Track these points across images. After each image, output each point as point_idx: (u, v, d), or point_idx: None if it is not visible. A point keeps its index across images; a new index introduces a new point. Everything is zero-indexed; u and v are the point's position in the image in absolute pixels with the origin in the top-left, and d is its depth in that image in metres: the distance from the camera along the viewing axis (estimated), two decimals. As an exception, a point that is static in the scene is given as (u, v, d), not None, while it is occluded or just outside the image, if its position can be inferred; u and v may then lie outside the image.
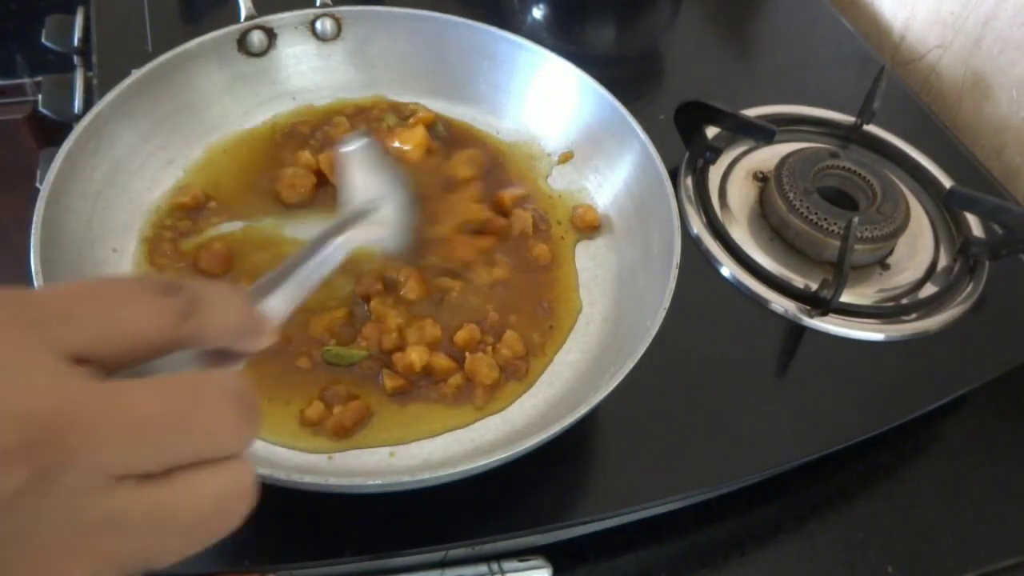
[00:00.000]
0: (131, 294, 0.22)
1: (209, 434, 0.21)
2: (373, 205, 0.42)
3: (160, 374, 0.22)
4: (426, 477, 0.38)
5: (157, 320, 0.21)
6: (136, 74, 0.51)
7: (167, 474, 0.20)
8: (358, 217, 0.40)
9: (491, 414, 0.47)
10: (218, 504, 0.21)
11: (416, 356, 0.47)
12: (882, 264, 0.61)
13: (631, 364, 0.41)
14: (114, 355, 0.21)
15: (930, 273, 0.62)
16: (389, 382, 0.46)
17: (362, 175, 0.43)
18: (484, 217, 0.54)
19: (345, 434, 0.44)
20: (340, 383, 0.46)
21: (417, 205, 0.45)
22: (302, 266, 0.32)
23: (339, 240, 0.36)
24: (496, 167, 0.58)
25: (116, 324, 0.21)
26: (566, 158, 0.59)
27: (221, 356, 0.25)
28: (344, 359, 0.47)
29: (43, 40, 0.75)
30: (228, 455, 0.21)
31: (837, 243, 0.58)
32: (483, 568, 0.45)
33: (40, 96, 0.73)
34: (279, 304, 0.30)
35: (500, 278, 0.52)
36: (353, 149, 0.43)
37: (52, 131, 0.74)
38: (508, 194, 0.55)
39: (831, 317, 0.56)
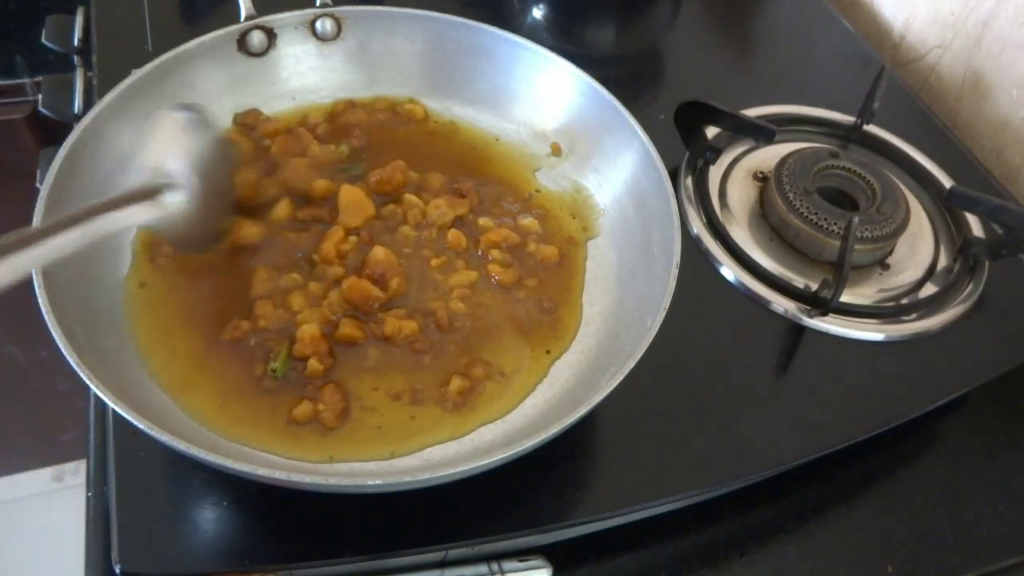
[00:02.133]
0: None
1: None
2: (164, 183, 0.38)
3: None
4: (426, 477, 0.38)
5: None
6: (136, 74, 0.51)
7: None
8: (139, 195, 0.37)
9: (487, 422, 0.46)
10: None
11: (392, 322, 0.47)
12: (882, 264, 0.61)
13: (631, 364, 0.41)
14: None
15: (930, 273, 0.62)
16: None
17: (173, 144, 0.39)
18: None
19: (341, 419, 0.44)
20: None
21: (219, 197, 0.41)
22: (44, 238, 0.30)
23: (110, 218, 0.33)
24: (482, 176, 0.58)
25: None
26: (556, 151, 0.59)
27: None
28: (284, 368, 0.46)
29: (43, 40, 0.75)
30: None
31: (837, 243, 0.58)
32: (483, 568, 0.45)
33: (40, 96, 0.73)
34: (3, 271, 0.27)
35: (507, 281, 0.52)
36: (179, 116, 0.40)
37: (52, 131, 0.74)
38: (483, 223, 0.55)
39: (831, 317, 0.56)
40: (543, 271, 0.53)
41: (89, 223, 0.32)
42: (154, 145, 0.39)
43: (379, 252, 0.50)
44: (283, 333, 0.47)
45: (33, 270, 0.37)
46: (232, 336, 0.47)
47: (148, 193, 0.37)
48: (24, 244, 0.29)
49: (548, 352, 0.50)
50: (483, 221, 0.54)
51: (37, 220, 0.43)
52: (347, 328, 0.47)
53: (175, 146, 0.40)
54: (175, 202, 0.39)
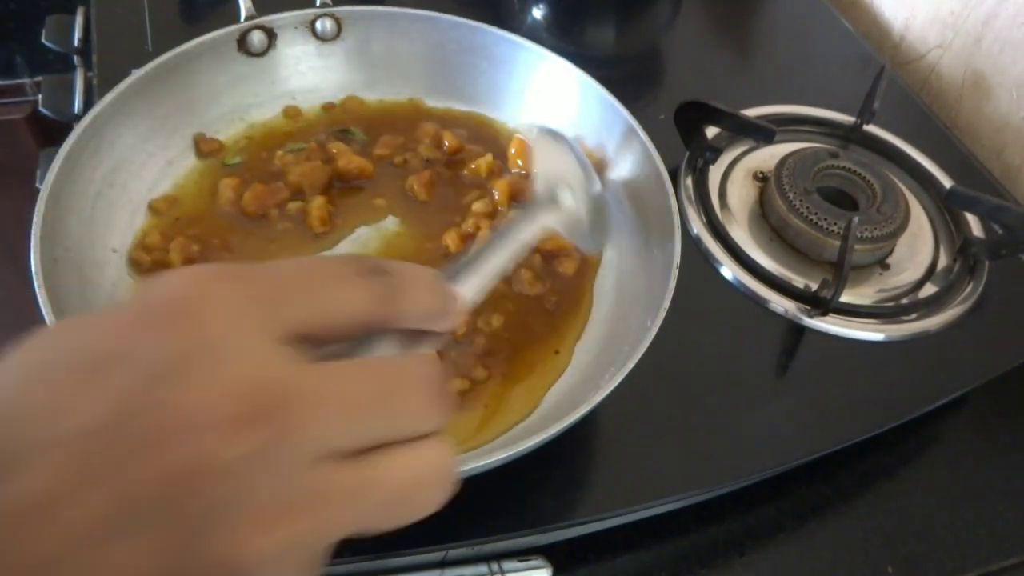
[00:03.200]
0: (339, 276, 0.23)
1: (412, 415, 0.22)
2: (556, 193, 0.42)
3: (362, 356, 0.23)
4: (426, 477, 0.38)
5: (363, 303, 0.23)
6: (136, 74, 0.51)
7: (370, 452, 0.21)
8: (543, 205, 0.41)
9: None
10: (417, 481, 0.22)
11: None
12: (882, 264, 0.61)
13: (631, 364, 0.41)
14: (323, 335, 0.22)
15: (930, 273, 0.62)
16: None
17: (549, 162, 0.44)
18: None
19: None
20: None
21: (605, 204, 0.45)
22: (490, 254, 0.32)
23: (527, 229, 0.36)
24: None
25: (327, 306, 0.22)
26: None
27: (414, 336, 0.26)
28: None
29: (43, 40, 0.75)
30: (426, 434, 0.22)
31: (837, 243, 0.58)
32: (483, 568, 0.45)
33: (40, 96, 0.73)
34: (466, 290, 0.30)
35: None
36: (537, 135, 0.45)
37: (52, 131, 0.74)
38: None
39: (831, 317, 0.56)
40: (559, 279, 0.53)
41: (516, 238, 0.35)
42: (540, 159, 0.44)
43: None
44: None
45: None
46: None
47: (550, 199, 0.41)
48: (476, 263, 0.32)
49: (557, 352, 0.50)
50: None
51: (37, 220, 0.43)
52: None
53: (553, 155, 0.44)
54: (569, 202, 0.42)
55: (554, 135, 0.46)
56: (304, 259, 0.25)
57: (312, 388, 0.20)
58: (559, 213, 0.41)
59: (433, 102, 0.61)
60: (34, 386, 0.19)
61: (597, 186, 0.45)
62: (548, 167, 0.44)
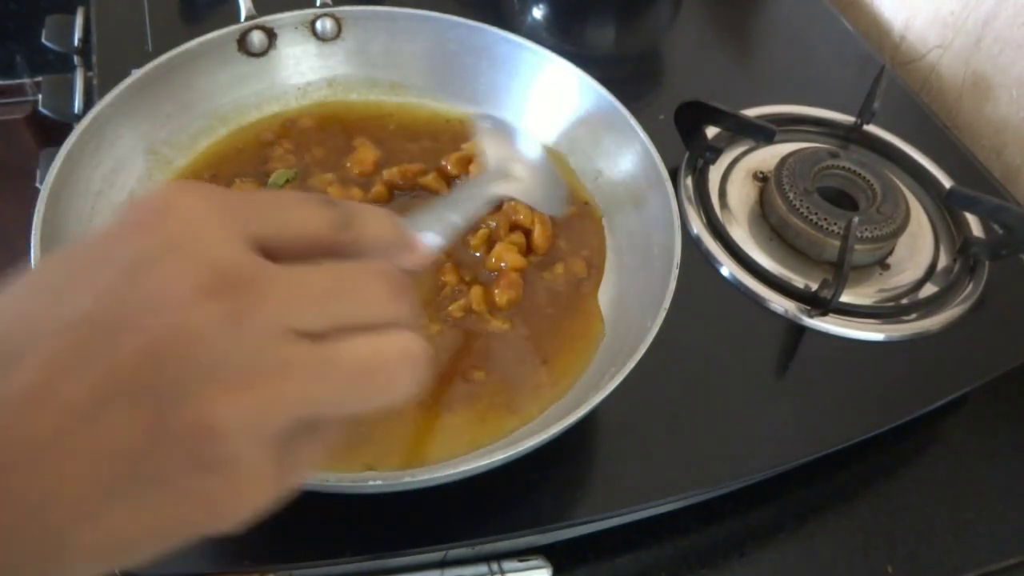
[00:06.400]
0: (300, 201, 0.25)
1: (373, 302, 0.24)
2: (506, 166, 0.45)
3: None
4: (426, 477, 0.38)
5: (322, 222, 0.24)
6: (136, 74, 0.51)
7: (334, 335, 0.23)
8: (496, 176, 0.44)
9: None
10: (381, 360, 0.23)
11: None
12: (882, 264, 0.61)
13: (631, 364, 0.41)
14: (284, 248, 0.23)
15: (930, 273, 0.62)
16: None
17: (496, 146, 0.47)
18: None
19: None
20: None
21: (555, 174, 0.49)
22: (445, 210, 0.34)
23: (482, 191, 0.39)
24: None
25: (290, 222, 0.24)
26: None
27: None
28: None
29: (43, 40, 0.75)
30: (389, 323, 0.24)
31: (837, 243, 0.58)
32: (483, 568, 0.45)
33: (40, 96, 0.73)
34: (428, 237, 0.31)
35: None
36: (486, 127, 0.48)
37: (52, 131, 0.74)
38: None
39: (831, 317, 0.56)
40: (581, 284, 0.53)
41: (474, 196, 0.38)
42: (487, 145, 0.47)
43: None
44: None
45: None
46: None
47: (502, 172, 0.45)
48: (432, 216, 0.34)
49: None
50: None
51: (37, 220, 0.43)
52: None
53: (500, 138, 0.48)
54: (520, 172, 0.46)
55: (498, 123, 0.50)
56: (272, 192, 0.27)
57: (276, 274, 0.22)
58: (513, 182, 0.45)
59: (433, 102, 0.61)
60: (35, 292, 0.21)
61: (542, 159, 0.48)
62: (496, 150, 0.47)
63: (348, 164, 0.56)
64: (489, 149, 0.47)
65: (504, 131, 0.49)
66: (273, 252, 0.23)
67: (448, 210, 0.34)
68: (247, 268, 0.22)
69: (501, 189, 0.43)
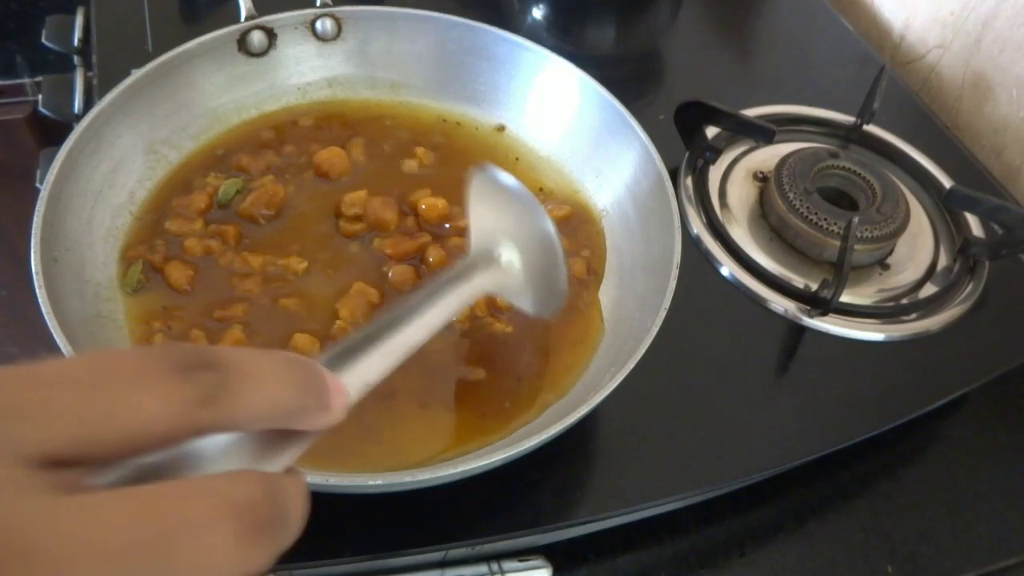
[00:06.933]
0: (132, 376, 0.18)
1: (196, 565, 0.17)
2: (494, 249, 0.36)
3: (188, 471, 0.19)
4: (426, 477, 0.38)
5: (164, 408, 0.18)
6: (136, 74, 0.51)
7: None
8: (477, 264, 0.35)
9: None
10: None
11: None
12: (882, 264, 0.61)
13: (631, 364, 0.41)
14: (103, 454, 0.17)
15: (930, 273, 0.62)
16: None
17: (487, 210, 0.38)
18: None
19: None
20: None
21: (561, 256, 0.38)
22: (401, 325, 0.27)
23: (454, 294, 0.31)
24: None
25: (105, 417, 0.17)
26: (500, 129, 0.59)
27: (279, 438, 0.21)
28: None
29: (43, 40, 0.75)
30: None
31: (837, 243, 0.58)
32: (483, 568, 0.45)
33: (40, 96, 0.73)
34: (367, 371, 0.25)
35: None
36: (480, 190, 0.38)
37: (52, 131, 0.74)
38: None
39: (831, 317, 0.56)
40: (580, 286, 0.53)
41: (439, 302, 0.30)
42: (476, 208, 0.38)
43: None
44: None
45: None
46: (234, 338, 0.47)
47: (486, 259, 0.36)
48: (380, 337, 0.26)
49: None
50: None
51: (37, 220, 0.43)
52: None
53: (493, 207, 0.38)
54: (507, 258, 0.37)
55: (493, 177, 0.40)
56: (96, 353, 0.21)
57: (53, 536, 0.16)
58: (497, 273, 0.36)
59: (433, 102, 0.61)
60: None
61: (548, 234, 0.39)
62: (486, 217, 0.38)
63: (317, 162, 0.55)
64: (477, 220, 0.38)
65: (502, 193, 0.40)
66: (88, 460, 0.17)
67: (404, 327, 0.27)
68: (11, 530, 0.15)
69: (484, 283, 0.35)
